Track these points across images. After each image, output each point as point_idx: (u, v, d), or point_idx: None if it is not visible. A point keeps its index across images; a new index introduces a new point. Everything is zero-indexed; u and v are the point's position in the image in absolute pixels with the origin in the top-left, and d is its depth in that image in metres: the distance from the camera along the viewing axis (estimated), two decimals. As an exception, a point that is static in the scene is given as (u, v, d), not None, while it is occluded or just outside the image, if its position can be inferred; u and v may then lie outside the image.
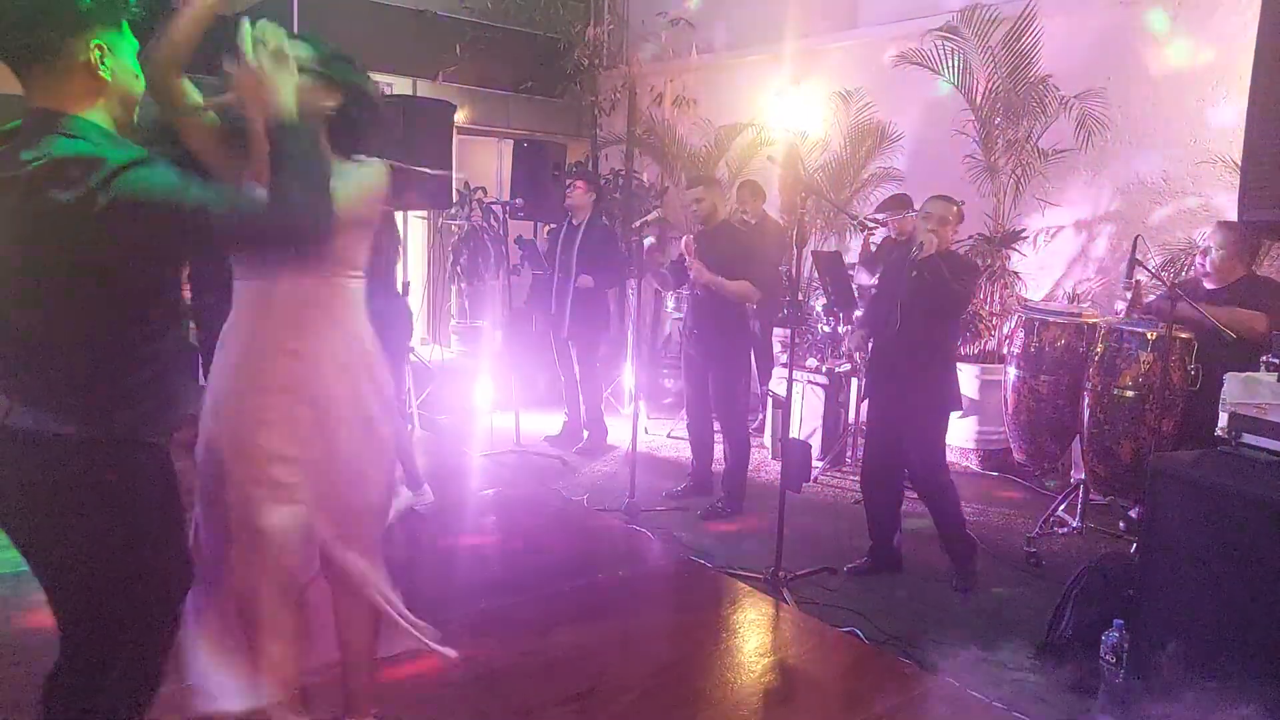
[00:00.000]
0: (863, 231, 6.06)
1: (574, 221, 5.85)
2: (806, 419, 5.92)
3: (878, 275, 4.78)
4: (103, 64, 1.65)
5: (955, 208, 4.01)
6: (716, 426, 5.08)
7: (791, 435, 5.46)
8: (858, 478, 5.60)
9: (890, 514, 4.16)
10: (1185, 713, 2.55)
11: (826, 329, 6.29)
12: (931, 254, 3.82)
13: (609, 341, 6.46)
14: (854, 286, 5.92)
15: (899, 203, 5.75)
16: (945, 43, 6.11)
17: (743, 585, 3.91)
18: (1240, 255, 4.17)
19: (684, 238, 4.95)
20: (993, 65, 5.97)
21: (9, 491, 1.71)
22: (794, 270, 4.31)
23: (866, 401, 4.28)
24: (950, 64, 6.13)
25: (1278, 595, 2.57)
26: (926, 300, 3.86)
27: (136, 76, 1.77)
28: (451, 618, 3.47)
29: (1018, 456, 5.01)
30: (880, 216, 5.73)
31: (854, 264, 6.00)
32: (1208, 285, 4.25)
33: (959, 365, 4.73)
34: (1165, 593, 2.92)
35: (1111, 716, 2.87)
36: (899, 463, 4.11)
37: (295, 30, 8.23)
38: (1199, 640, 2.74)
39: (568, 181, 6.08)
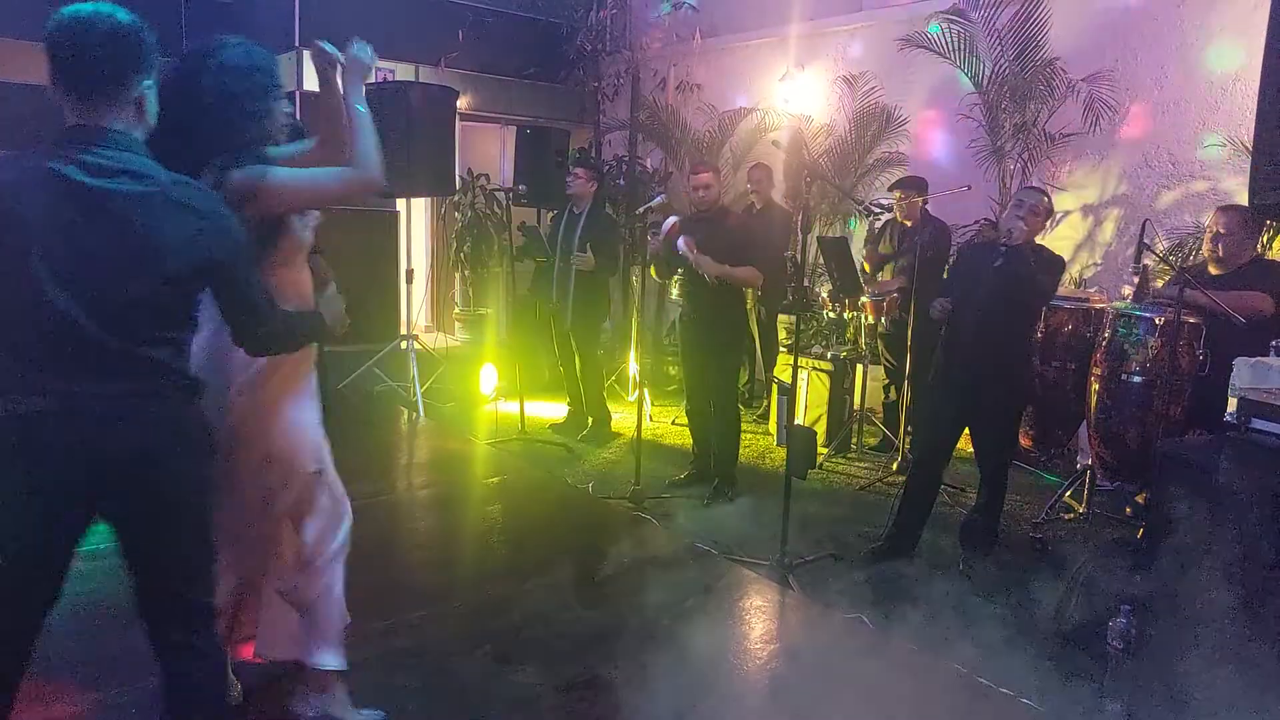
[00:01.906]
0: (868, 217, 6.03)
1: (575, 209, 5.80)
2: (811, 406, 5.91)
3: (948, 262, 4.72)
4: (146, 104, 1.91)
5: (1045, 199, 4.00)
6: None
7: (796, 422, 5.46)
8: (863, 464, 5.62)
9: (929, 503, 4.19)
10: (1194, 697, 2.54)
11: (832, 315, 6.26)
12: (1019, 244, 3.80)
13: (609, 329, 6.42)
14: (859, 272, 5.89)
15: (914, 184, 5.69)
16: (951, 25, 6.06)
17: (749, 571, 3.91)
18: (1250, 238, 4.14)
19: (671, 221, 4.88)
20: (999, 48, 5.92)
21: None
22: (799, 256, 4.29)
23: (935, 389, 4.24)
24: (956, 47, 6.08)
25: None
26: (1009, 292, 3.82)
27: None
28: (456, 604, 3.49)
29: (1024, 442, 4.99)
30: (885, 201, 5.70)
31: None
32: (1215, 270, 4.21)
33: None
34: (1173, 578, 2.90)
35: (1119, 702, 2.87)
36: (950, 453, 4.17)
37: (298, 17, 8.15)
38: (1207, 625, 2.73)
39: (569, 169, 6.02)
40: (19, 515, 1.79)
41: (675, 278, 5.86)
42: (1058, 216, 6.11)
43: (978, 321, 3.92)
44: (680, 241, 4.73)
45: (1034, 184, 4.03)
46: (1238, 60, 5.22)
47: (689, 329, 4.99)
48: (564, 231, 5.80)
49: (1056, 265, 4.03)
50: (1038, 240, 4.14)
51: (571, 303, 5.74)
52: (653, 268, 5.23)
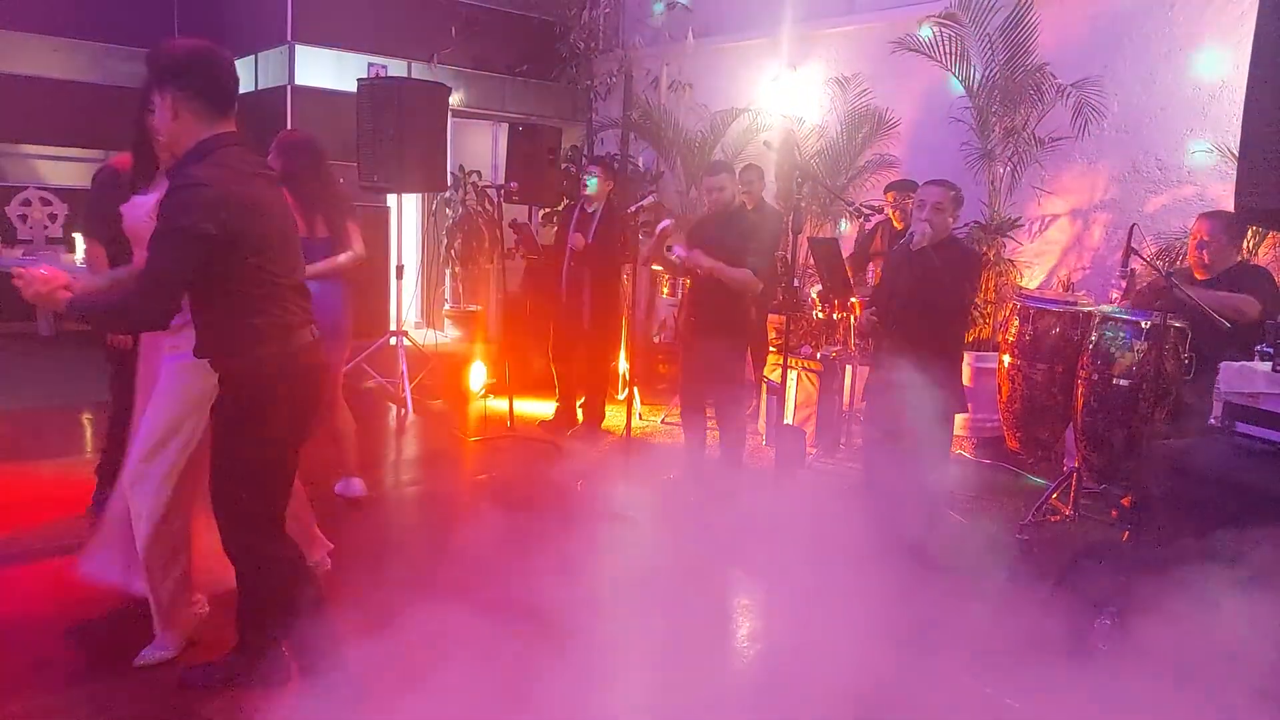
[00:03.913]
0: (858, 219, 6.05)
1: (587, 208, 5.78)
2: (800, 406, 5.93)
3: (879, 263, 4.66)
4: None
5: (952, 193, 3.84)
6: (710, 412, 5.07)
7: (786, 422, 5.48)
8: (852, 464, 5.64)
9: (894, 508, 4.11)
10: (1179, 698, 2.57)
11: (821, 316, 6.28)
12: (925, 246, 3.68)
13: (619, 326, 6.39)
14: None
15: (907, 187, 5.73)
16: (943, 29, 6.09)
17: (738, 571, 3.92)
18: (1234, 242, 4.18)
19: (665, 224, 4.86)
20: (990, 52, 5.95)
21: None
22: (789, 257, 4.29)
23: (865, 399, 4.16)
24: (947, 51, 6.11)
25: (1271, 584, 2.59)
26: (923, 296, 3.70)
27: None
28: (443, 602, 3.48)
29: (1011, 444, 5.02)
30: (875, 203, 5.73)
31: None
32: (1200, 275, 4.25)
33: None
34: (1158, 580, 2.93)
35: (1103, 704, 2.89)
36: (901, 460, 3.98)
37: (290, 12, 8.10)
38: (1191, 627, 2.75)
39: (585, 168, 5.96)
40: None
41: (668, 277, 5.87)
42: (1045, 220, 6.16)
43: (898, 330, 3.82)
44: (676, 248, 4.71)
45: (938, 179, 3.89)
46: (1225, 66, 5.27)
47: (691, 328, 4.97)
48: (575, 230, 5.76)
49: (968, 263, 3.85)
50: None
51: (589, 303, 5.71)
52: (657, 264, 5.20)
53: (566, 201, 7.27)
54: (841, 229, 7.22)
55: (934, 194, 3.76)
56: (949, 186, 3.85)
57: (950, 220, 3.85)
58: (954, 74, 6.14)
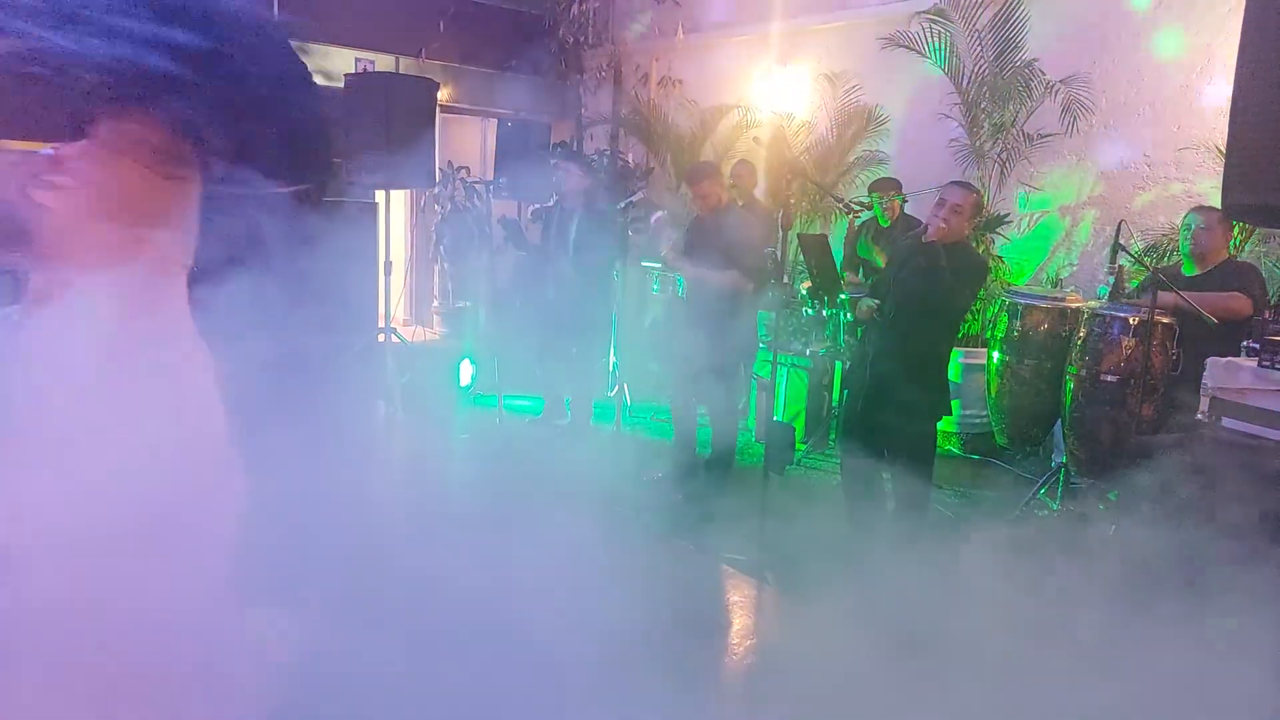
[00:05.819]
0: (848, 215, 6.05)
1: (565, 205, 5.76)
2: (790, 402, 5.93)
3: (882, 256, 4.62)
4: None
5: (973, 196, 3.75)
6: (701, 409, 5.07)
7: (775, 418, 5.49)
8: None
9: (870, 507, 4.05)
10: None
11: (811, 312, 6.28)
12: (933, 241, 3.64)
13: (607, 325, 6.40)
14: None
15: (891, 184, 5.74)
16: (932, 25, 6.09)
17: (726, 567, 3.92)
18: (1227, 236, 4.21)
19: (657, 215, 4.85)
20: (979, 49, 5.96)
21: None
22: (779, 253, 4.28)
23: (845, 390, 4.13)
24: (937, 47, 6.11)
25: (1258, 577, 2.60)
26: (920, 292, 3.65)
27: None
28: (432, 604, 3.46)
29: (999, 440, 5.04)
30: (866, 200, 5.73)
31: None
32: (1189, 270, 4.27)
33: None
34: (1145, 575, 2.94)
35: (1094, 696, 2.90)
36: (878, 457, 3.91)
37: (276, 4, 8.04)
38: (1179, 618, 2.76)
39: (559, 164, 5.94)
40: None
41: (658, 272, 5.85)
42: (1034, 216, 6.17)
43: (890, 325, 3.76)
44: (662, 248, 4.70)
45: (961, 179, 3.85)
46: (1213, 63, 5.28)
47: (685, 323, 4.94)
48: (558, 229, 5.74)
49: (974, 270, 3.76)
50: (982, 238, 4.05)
51: (571, 299, 5.70)
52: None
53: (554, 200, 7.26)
54: (843, 225, 7.22)
55: (954, 195, 3.68)
56: (971, 190, 3.77)
57: (967, 226, 3.76)
58: (944, 70, 6.14)
